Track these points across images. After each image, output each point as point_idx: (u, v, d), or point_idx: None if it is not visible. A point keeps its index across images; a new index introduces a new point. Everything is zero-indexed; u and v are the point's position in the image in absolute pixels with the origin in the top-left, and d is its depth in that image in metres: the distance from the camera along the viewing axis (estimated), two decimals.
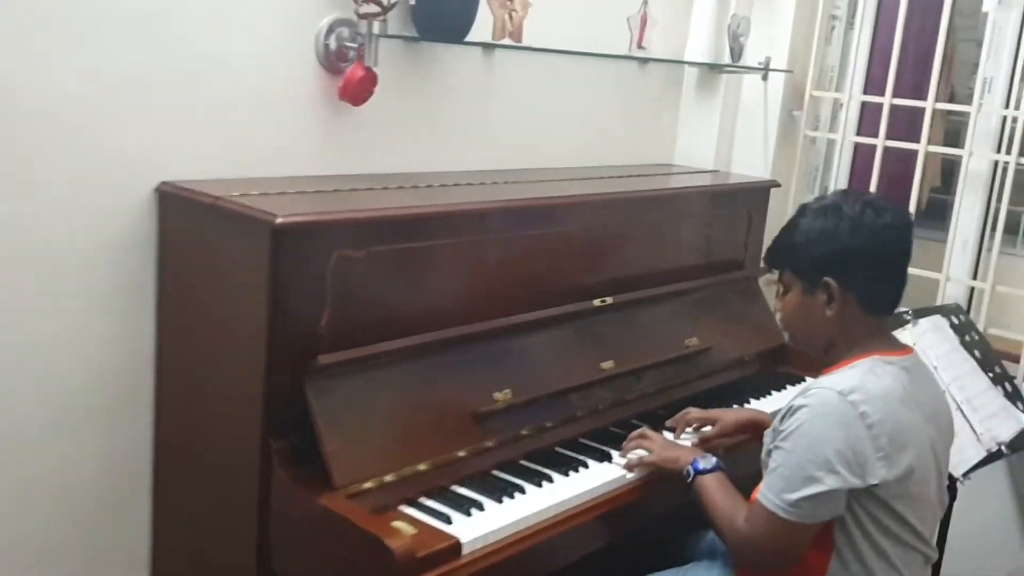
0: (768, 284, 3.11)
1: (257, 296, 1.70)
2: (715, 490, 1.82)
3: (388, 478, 1.77)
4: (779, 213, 3.09)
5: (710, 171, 3.12)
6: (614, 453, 2.06)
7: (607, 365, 2.25)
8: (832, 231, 1.73)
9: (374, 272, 1.83)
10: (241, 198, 1.75)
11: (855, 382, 1.65)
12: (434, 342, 1.91)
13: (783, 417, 1.70)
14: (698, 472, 1.87)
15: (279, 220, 1.63)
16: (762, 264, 2.00)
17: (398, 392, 1.85)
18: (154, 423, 1.99)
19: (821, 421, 1.63)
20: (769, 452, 1.72)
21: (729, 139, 3.24)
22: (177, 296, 1.91)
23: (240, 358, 1.77)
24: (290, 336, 1.72)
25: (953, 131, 3.45)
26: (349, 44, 2.06)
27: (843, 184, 3.31)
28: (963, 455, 2.20)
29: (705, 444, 2.12)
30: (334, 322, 1.77)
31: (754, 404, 2.47)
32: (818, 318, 1.77)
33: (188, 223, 1.86)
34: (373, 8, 1.94)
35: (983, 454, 2.23)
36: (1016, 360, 2.82)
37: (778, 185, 2.99)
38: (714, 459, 1.90)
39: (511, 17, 2.24)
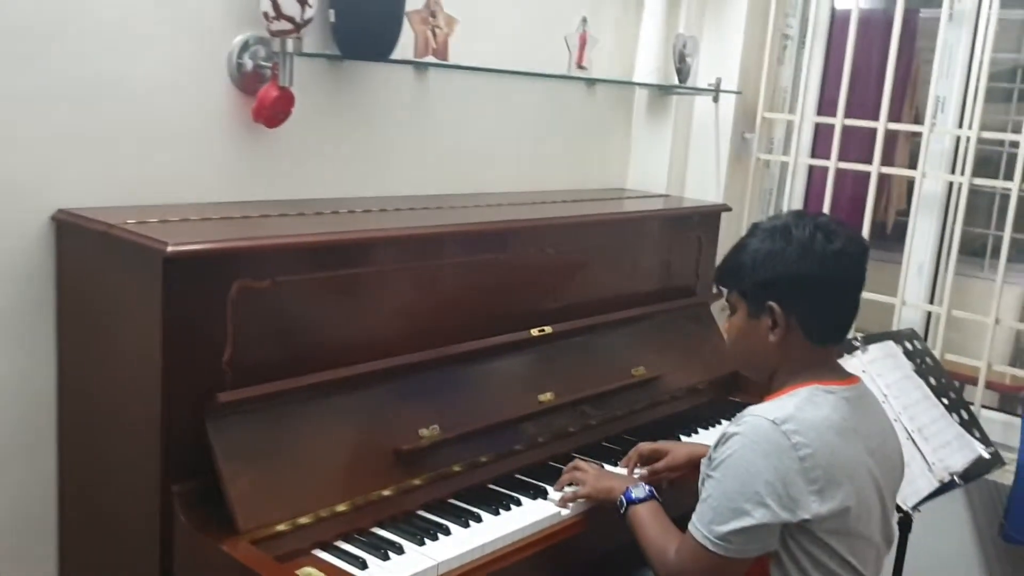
0: (723, 310, 3.03)
1: (151, 330, 1.59)
2: (647, 520, 1.76)
3: (303, 520, 1.68)
4: (732, 238, 2.99)
5: (661, 195, 3.05)
6: (550, 489, 1.98)
7: (546, 397, 2.16)
8: (779, 254, 1.64)
9: (281, 303, 1.73)
10: (136, 226, 1.66)
11: (789, 411, 1.57)
12: (352, 377, 1.81)
13: (716, 445, 1.63)
14: (630, 501, 1.80)
15: (170, 249, 1.53)
16: (713, 283, 1.91)
17: (312, 430, 1.75)
18: (58, 467, 1.89)
19: (751, 451, 1.55)
20: (703, 480, 1.65)
21: (682, 162, 3.17)
22: (77, 332, 1.81)
23: (137, 397, 1.67)
24: (188, 373, 1.62)
25: (919, 153, 3.39)
26: (264, 63, 1.97)
27: (798, 207, 3.23)
28: (914, 486, 2.11)
29: (653, 477, 2.03)
30: (238, 357, 1.67)
31: (703, 434, 2.40)
32: (761, 343, 1.68)
33: (84, 253, 1.76)
34: (285, 25, 1.86)
35: (935, 485, 2.14)
36: (975, 382, 2.76)
37: (729, 209, 2.92)
38: (647, 488, 1.83)
39: (434, 34, 2.15)
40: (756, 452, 1.54)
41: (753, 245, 1.69)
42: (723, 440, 1.60)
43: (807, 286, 1.63)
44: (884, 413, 1.77)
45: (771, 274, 1.65)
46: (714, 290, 2.77)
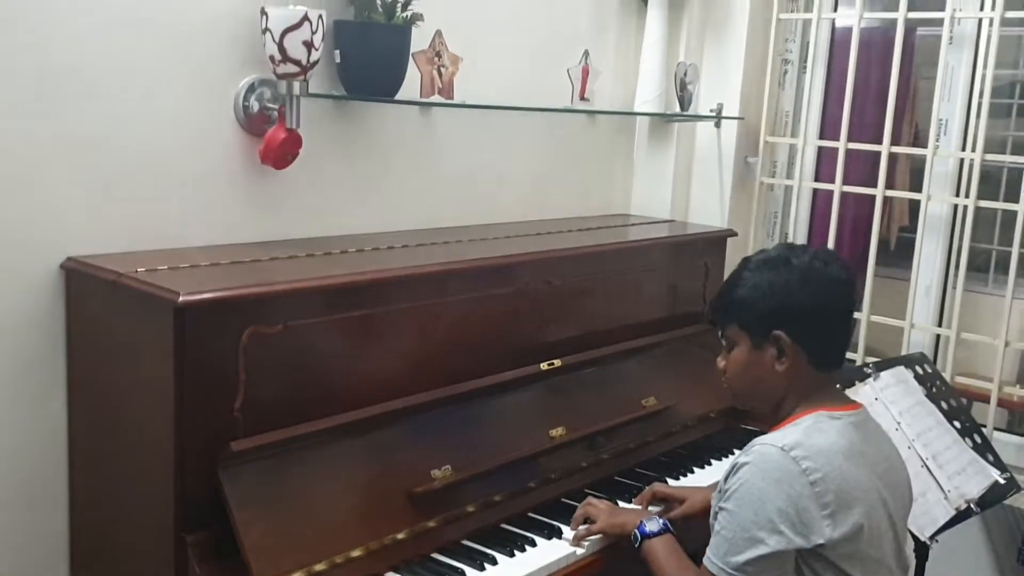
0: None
1: (163, 379, 1.58)
2: (662, 554, 1.77)
3: (318, 567, 1.65)
4: (738, 262, 3.01)
5: (666, 221, 3.04)
6: (564, 528, 1.96)
7: (557, 432, 2.15)
8: (783, 283, 1.67)
9: (293, 347, 1.72)
10: (146, 274, 1.65)
11: (797, 437, 1.59)
12: (364, 419, 1.80)
13: (727, 476, 1.63)
14: (644, 536, 1.81)
15: (182, 298, 1.53)
16: (708, 321, 1.92)
17: (325, 475, 1.74)
18: (69, 517, 1.87)
19: (762, 479, 1.56)
20: (715, 513, 1.64)
21: (686, 188, 3.17)
22: (87, 381, 1.80)
23: (150, 446, 1.66)
24: (201, 421, 1.61)
25: (919, 170, 3.39)
26: (271, 105, 1.97)
27: (803, 230, 3.24)
28: (931, 515, 2.09)
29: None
30: (250, 403, 1.66)
31: (717, 465, 2.38)
32: (767, 374, 1.70)
33: (94, 302, 1.75)
34: (292, 68, 1.85)
35: (952, 513, 2.13)
36: (986, 400, 2.74)
37: (734, 234, 2.92)
38: (661, 521, 1.84)
39: (440, 73, 2.15)
40: (767, 480, 1.55)
41: (751, 278, 1.72)
42: (733, 470, 1.61)
43: (811, 312, 1.66)
44: (889, 439, 1.78)
45: (776, 303, 1.67)
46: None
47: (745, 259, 1.78)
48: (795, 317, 1.66)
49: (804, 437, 1.58)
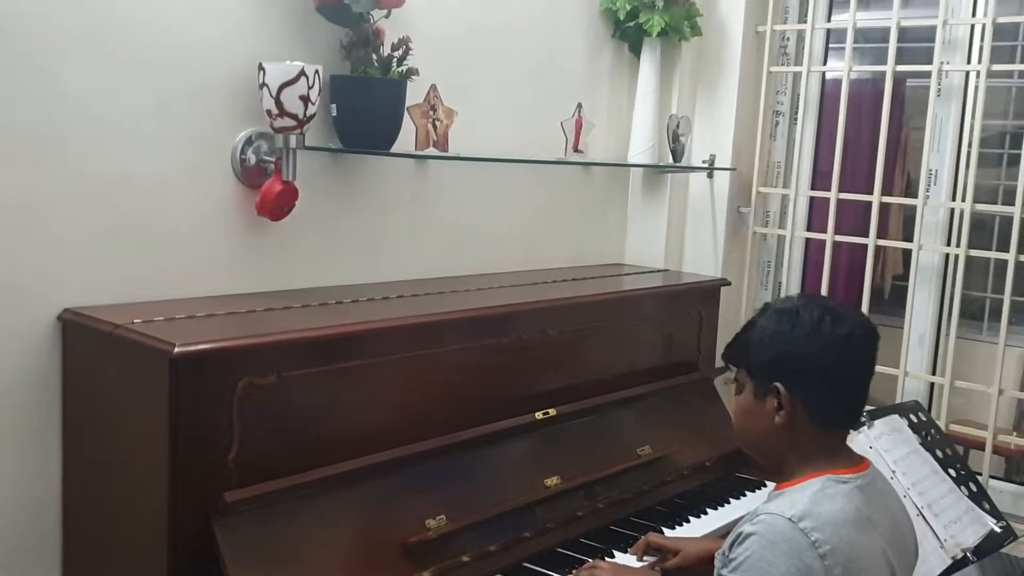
0: (728, 383, 3.03)
1: (158, 430, 1.59)
2: None
3: None
4: (732, 311, 3.04)
5: (660, 270, 3.06)
6: None
7: (552, 481, 2.15)
8: (785, 335, 1.64)
9: (287, 398, 1.73)
10: (142, 325, 1.66)
11: (805, 506, 1.54)
12: (358, 469, 1.80)
13: (732, 544, 1.59)
14: None
15: (177, 349, 1.54)
16: (720, 359, 1.90)
17: (319, 526, 1.73)
18: (63, 569, 1.85)
19: (771, 551, 1.51)
20: None
21: (679, 237, 3.20)
22: (83, 434, 1.80)
23: (144, 497, 1.65)
24: (195, 473, 1.61)
25: (913, 217, 3.43)
26: (267, 158, 2.00)
27: (796, 280, 3.27)
28: (927, 564, 2.08)
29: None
30: (244, 454, 1.67)
31: (712, 515, 2.37)
32: (767, 425, 1.66)
33: (90, 353, 1.76)
34: (288, 122, 1.89)
35: (948, 562, 2.12)
36: (982, 447, 2.74)
37: (728, 283, 2.94)
38: None
39: (435, 126, 2.19)
40: (776, 552, 1.51)
41: (762, 324, 1.69)
42: (739, 540, 1.57)
43: (812, 369, 1.62)
44: (896, 496, 1.75)
45: (776, 354, 1.64)
46: (721, 364, 2.77)
47: (766, 304, 1.75)
48: (794, 371, 1.62)
49: (812, 505, 1.54)
